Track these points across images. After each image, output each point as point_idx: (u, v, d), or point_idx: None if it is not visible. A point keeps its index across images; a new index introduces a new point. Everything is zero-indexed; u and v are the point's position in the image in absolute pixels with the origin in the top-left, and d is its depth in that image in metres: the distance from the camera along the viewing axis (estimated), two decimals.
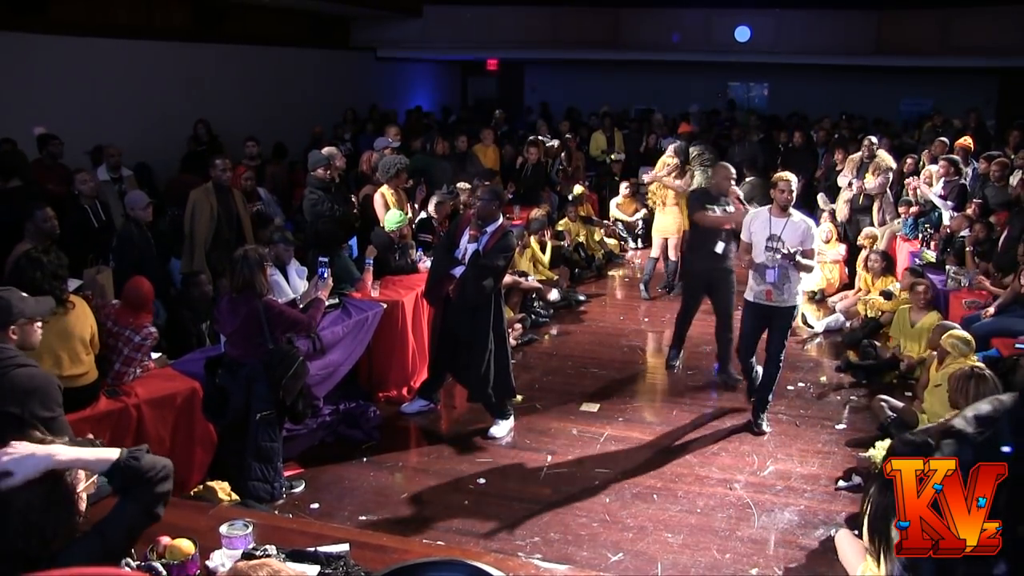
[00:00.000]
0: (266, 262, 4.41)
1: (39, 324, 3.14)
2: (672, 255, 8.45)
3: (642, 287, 8.69)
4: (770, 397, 5.62)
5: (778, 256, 5.21)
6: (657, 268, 8.72)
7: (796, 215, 5.30)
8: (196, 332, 5.36)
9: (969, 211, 7.36)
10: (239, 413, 4.25)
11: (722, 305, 6.28)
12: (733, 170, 6.32)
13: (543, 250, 8.52)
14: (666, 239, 8.42)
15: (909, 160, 9.31)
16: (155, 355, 4.76)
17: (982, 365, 4.55)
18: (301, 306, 4.65)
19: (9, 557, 1.83)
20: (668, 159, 8.29)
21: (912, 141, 11.35)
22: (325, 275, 4.65)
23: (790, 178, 5.30)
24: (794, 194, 5.28)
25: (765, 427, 5.55)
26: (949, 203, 7.84)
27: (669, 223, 8.32)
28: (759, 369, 5.75)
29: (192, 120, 9.45)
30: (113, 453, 2.10)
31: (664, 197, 8.28)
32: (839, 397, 6.23)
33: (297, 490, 4.69)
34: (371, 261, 6.11)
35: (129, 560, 2.33)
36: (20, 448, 1.96)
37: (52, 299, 3.29)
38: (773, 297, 5.35)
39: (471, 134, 10.13)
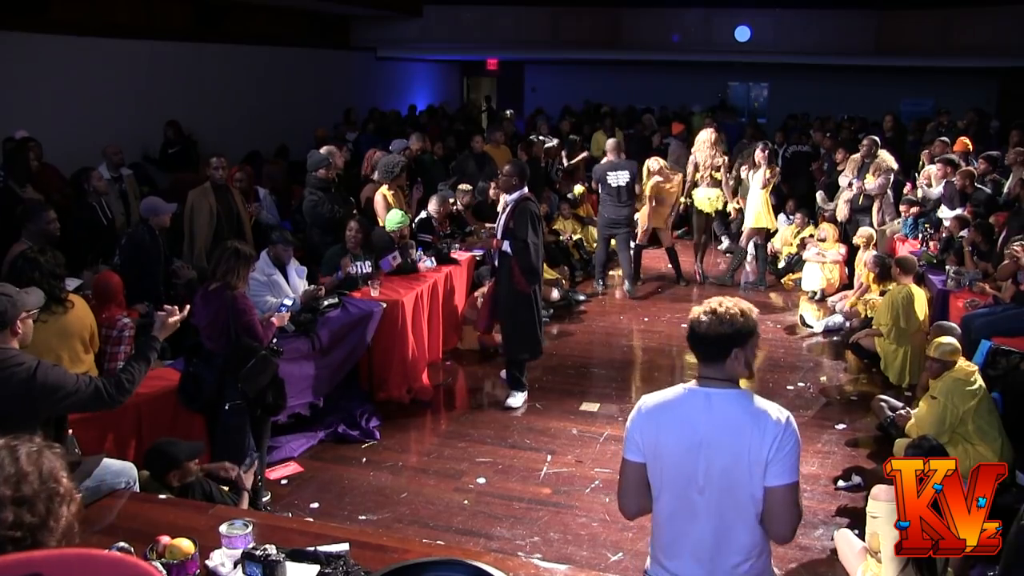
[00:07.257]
0: (253, 262, 4.51)
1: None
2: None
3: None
4: None
5: None
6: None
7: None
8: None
9: (966, 212, 7.35)
10: (211, 400, 4.30)
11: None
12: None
13: None
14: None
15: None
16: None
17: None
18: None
19: None
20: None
21: (913, 139, 11.32)
22: (285, 310, 4.86)
23: None
24: None
25: None
26: (958, 210, 7.78)
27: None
28: None
29: (192, 120, 9.45)
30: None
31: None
32: (839, 397, 6.23)
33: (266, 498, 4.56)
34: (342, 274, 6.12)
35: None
36: None
37: (40, 290, 3.26)
38: None
39: (473, 134, 10.08)
